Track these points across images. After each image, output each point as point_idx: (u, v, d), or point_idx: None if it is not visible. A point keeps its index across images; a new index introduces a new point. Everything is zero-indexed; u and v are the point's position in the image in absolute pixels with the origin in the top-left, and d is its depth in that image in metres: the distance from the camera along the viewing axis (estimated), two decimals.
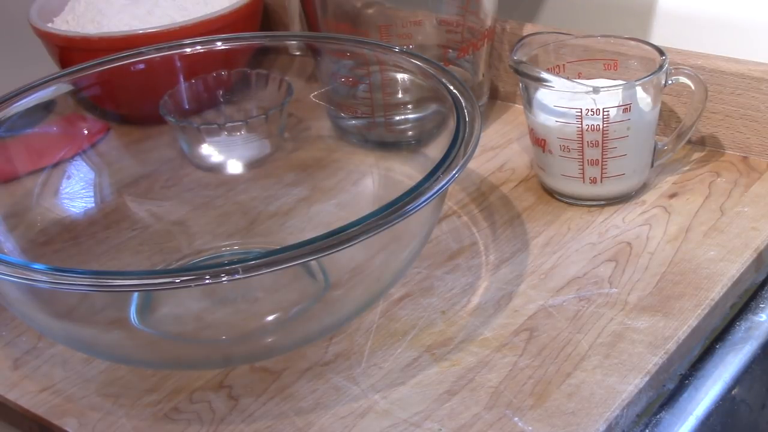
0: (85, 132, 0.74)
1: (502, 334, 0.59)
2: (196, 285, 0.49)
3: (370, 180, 0.74)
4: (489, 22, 0.77)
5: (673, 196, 0.70)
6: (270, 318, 0.61)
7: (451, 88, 0.62)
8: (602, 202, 0.70)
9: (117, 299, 0.61)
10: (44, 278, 0.50)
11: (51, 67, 0.85)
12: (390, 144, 0.76)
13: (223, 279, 0.48)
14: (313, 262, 0.63)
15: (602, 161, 0.67)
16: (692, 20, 0.80)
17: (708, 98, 0.69)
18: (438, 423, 0.53)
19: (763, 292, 0.64)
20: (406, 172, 0.68)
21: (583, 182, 0.69)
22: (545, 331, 0.59)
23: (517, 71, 0.68)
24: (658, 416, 0.56)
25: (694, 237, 0.65)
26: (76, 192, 0.71)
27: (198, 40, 0.73)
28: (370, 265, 0.58)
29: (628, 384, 0.54)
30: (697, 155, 0.74)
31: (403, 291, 0.63)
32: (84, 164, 0.72)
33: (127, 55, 0.71)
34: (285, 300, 0.62)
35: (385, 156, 0.74)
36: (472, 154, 0.55)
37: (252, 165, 0.75)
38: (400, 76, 0.74)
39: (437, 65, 0.64)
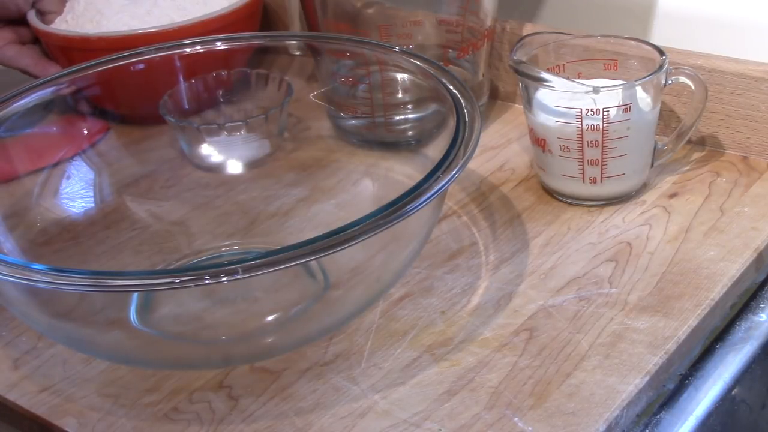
0: (85, 132, 0.74)
1: (502, 334, 0.59)
2: (196, 285, 0.49)
3: (370, 180, 0.74)
4: (489, 22, 0.77)
5: (673, 196, 0.70)
6: (270, 318, 0.61)
7: (451, 88, 0.62)
8: (602, 202, 0.70)
9: (117, 299, 0.61)
10: (44, 278, 0.50)
11: None
12: (390, 144, 0.76)
13: (223, 279, 0.48)
14: (313, 262, 0.63)
15: (602, 161, 0.67)
16: (692, 20, 0.80)
17: (708, 98, 0.69)
18: (438, 423, 0.53)
19: (763, 292, 0.64)
20: (406, 172, 0.68)
21: (583, 182, 0.69)
22: (545, 331, 0.58)
23: (517, 71, 0.68)
24: (658, 416, 0.56)
25: (694, 237, 0.65)
26: (76, 192, 0.71)
27: (198, 40, 0.73)
28: (370, 265, 0.58)
29: (628, 384, 0.54)
30: (697, 155, 0.74)
31: (403, 291, 0.63)
32: (84, 164, 0.72)
33: (126, 55, 0.71)
34: (285, 300, 0.62)
35: (385, 156, 0.74)
36: (472, 154, 0.55)
37: (252, 165, 0.75)
38: (400, 76, 0.74)
39: (437, 65, 0.64)
